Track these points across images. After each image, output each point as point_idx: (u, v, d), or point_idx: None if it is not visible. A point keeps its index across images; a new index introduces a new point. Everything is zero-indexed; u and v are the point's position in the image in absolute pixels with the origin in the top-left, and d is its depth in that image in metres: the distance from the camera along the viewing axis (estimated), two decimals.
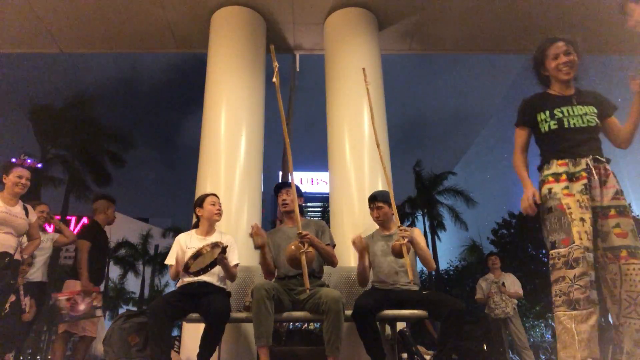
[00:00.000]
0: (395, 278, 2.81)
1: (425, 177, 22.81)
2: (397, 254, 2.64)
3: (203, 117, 4.45)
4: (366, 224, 3.25)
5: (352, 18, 4.81)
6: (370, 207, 3.06)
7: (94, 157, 18.95)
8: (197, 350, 2.52)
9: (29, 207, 3.20)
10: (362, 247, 2.87)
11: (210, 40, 4.77)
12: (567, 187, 1.98)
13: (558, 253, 1.89)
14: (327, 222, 3.68)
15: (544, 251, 18.38)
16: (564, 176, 2.01)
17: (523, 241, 19.15)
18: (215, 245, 2.54)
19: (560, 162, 2.04)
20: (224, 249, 2.56)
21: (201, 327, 2.60)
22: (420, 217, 23.39)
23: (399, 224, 2.78)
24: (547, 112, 2.12)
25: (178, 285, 2.79)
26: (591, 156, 2.01)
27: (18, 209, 3.07)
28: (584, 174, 1.98)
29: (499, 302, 5.19)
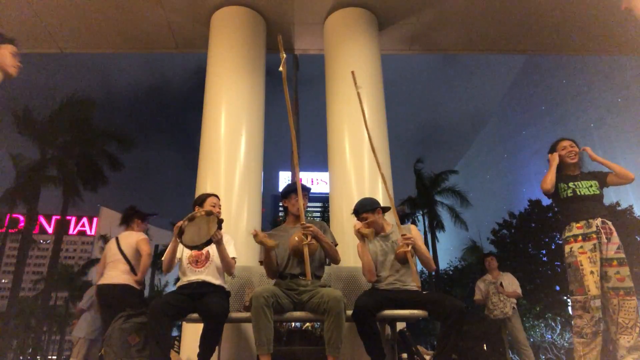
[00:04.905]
0: (396, 277, 2.80)
1: (426, 177, 22.82)
2: (402, 261, 2.71)
3: (203, 117, 4.45)
4: None
5: (352, 18, 4.81)
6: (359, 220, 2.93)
7: (89, 159, 18.72)
8: (197, 350, 2.52)
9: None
10: (367, 233, 2.72)
11: (210, 40, 4.77)
12: (581, 247, 2.71)
13: (576, 299, 2.68)
14: (327, 222, 3.69)
15: (544, 251, 18.38)
16: (580, 237, 2.74)
17: (523, 241, 19.13)
18: (209, 212, 2.52)
19: (577, 225, 2.76)
20: (220, 223, 2.52)
21: (201, 327, 2.59)
22: (420, 217, 23.39)
23: (399, 225, 2.78)
24: (565, 184, 2.88)
25: (177, 285, 2.79)
26: (599, 219, 2.73)
27: None
28: (594, 235, 2.70)
29: (497, 302, 5.16)
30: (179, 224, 2.51)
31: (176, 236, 2.52)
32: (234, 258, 2.85)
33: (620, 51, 5.92)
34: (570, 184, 2.86)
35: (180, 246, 2.81)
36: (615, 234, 2.71)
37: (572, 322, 2.73)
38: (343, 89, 4.52)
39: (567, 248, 2.79)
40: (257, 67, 4.69)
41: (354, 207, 2.99)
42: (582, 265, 2.67)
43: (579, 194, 2.81)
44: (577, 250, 2.72)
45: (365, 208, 2.89)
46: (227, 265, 2.77)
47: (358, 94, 3.22)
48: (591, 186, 2.82)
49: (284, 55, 2.90)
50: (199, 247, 2.51)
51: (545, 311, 16.81)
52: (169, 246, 2.70)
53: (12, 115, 16.80)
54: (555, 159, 2.95)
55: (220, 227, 2.54)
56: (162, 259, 2.76)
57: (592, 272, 2.63)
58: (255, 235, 2.64)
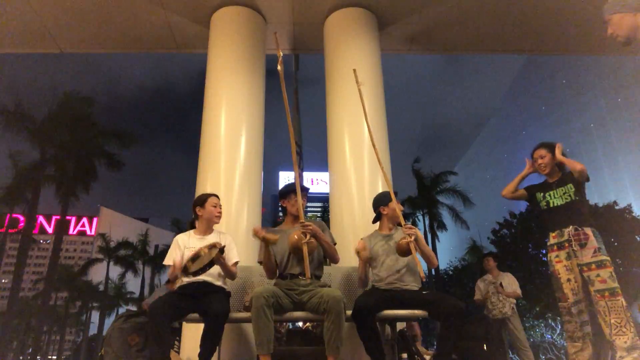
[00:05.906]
0: (396, 277, 2.80)
1: (426, 176, 22.84)
2: (404, 252, 2.63)
3: (203, 117, 4.45)
4: (366, 225, 3.24)
5: (352, 18, 4.81)
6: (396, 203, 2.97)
7: (86, 157, 18.65)
8: (197, 350, 2.51)
9: None
10: (366, 257, 2.82)
11: (210, 41, 4.77)
12: (557, 256, 2.86)
13: (562, 306, 2.83)
14: (327, 222, 3.69)
15: (544, 251, 18.41)
16: (555, 247, 2.88)
17: (524, 241, 19.14)
18: (212, 246, 2.53)
19: (553, 234, 2.91)
20: (221, 249, 2.55)
21: (201, 327, 2.60)
22: (420, 217, 23.41)
23: (404, 223, 2.77)
24: (541, 195, 2.99)
25: (178, 285, 2.78)
26: (571, 226, 2.80)
27: None
28: (566, 244, 2.82)
29: (496, 303, 5.16)
30: (184, 264, 2.53)
31: (181, 274, 2.56)
32: (236, 263, 2.85)
33: (620, 51, 5.92)
34: (547, 195, 2.96)
35: (181, 248, 2.81)
36: (591, 238, 2.73)
37: (564, 327, 2.86)
38: (343, 89, 4.52)
39: (548, 257, 2.94)
40: (257, 67, 4.69)
41: (379, 197, 3.04)
42: (559, 274, 2.83)
43: (551, 205, 2.93)
44: (554, 260, 2.87)
45: (389, 198, 2.94)
46: (228, 274, 2.78)
47: (359, 90, 3.22)
48: (565, 193, 2.88)
49: (281, 54, 2.90)
50: (204, 270, 2.52)
51: (545, 311, 16.83)
52: (172, 269, 2.68)
53: (3, 111, 16.74)
54: (526, 169, 3.13)
55: (222, 252, 2.55)
56: (168, 273, 2.77)
57: (568, 280, 2.79)
58: (256, 233, 2.65)
